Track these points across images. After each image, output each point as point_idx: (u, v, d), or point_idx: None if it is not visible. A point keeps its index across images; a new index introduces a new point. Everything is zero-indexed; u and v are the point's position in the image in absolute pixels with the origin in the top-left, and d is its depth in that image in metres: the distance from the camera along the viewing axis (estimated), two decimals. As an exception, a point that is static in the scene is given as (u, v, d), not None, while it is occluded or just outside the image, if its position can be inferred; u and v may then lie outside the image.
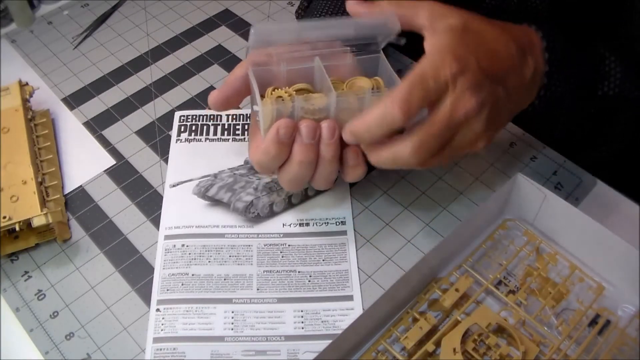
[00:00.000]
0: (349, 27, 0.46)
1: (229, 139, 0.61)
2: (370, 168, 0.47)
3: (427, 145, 0.42)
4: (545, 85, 0.48)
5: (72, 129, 0.63)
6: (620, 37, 0.53)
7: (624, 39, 0.53)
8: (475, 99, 0.41)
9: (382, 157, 0.44)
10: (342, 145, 0.46)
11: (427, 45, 0.44)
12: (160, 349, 0.46)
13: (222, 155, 0.59)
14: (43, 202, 0.51)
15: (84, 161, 0.60)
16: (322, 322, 0.48)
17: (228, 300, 0.49)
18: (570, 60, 0.49)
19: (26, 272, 0.52)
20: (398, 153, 0.43)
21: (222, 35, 0.73)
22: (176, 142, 0.61)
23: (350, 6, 0.46)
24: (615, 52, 0.52)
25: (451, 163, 0.58)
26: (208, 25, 0.75)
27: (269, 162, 0.45)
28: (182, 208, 0.55)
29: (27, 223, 0.50)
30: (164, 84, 0.67)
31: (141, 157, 0.60)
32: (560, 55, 0.48)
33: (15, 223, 0.49)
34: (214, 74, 0.68)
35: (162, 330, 0.47)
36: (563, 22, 0.51)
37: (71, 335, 0.48)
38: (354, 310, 0.49)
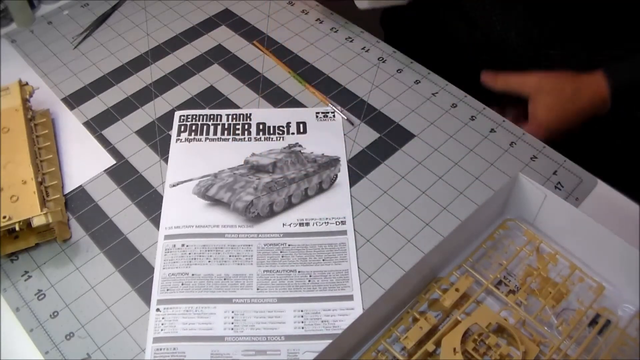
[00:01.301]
0: None
1: (229, 139, 0.61)
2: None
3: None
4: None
5: (72, 129, 0.63)
6: None
7: None
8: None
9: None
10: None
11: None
12: (160, 349, 0.46)
13: (222, 155, 0.59)
14: (43, 202, 0.51)
15: (84, 161, 0.60)
16: (322, 322, 0.48)
17: (228, 300, 0.49)
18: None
19: (26, 272, 0.52)
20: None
21: (222, 35, 0.73)
22: (176, 141, 0.61)
23: (486, 79, 0.67)
24: None
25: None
26: (208, 25, 0.75)
27: None
28: (182, 208, 0.55)
29: (27, 223, 0.50)
30: (164, 84, 0.67)
31: (141, 157, 0.60)
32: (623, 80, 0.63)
33: (15, 223, 0.49)
34: (214, 73, 0.68)
35: (162, 330, 0.47)
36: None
37: (71, 335, 0.48)
38: (354, 310, 0.49)
